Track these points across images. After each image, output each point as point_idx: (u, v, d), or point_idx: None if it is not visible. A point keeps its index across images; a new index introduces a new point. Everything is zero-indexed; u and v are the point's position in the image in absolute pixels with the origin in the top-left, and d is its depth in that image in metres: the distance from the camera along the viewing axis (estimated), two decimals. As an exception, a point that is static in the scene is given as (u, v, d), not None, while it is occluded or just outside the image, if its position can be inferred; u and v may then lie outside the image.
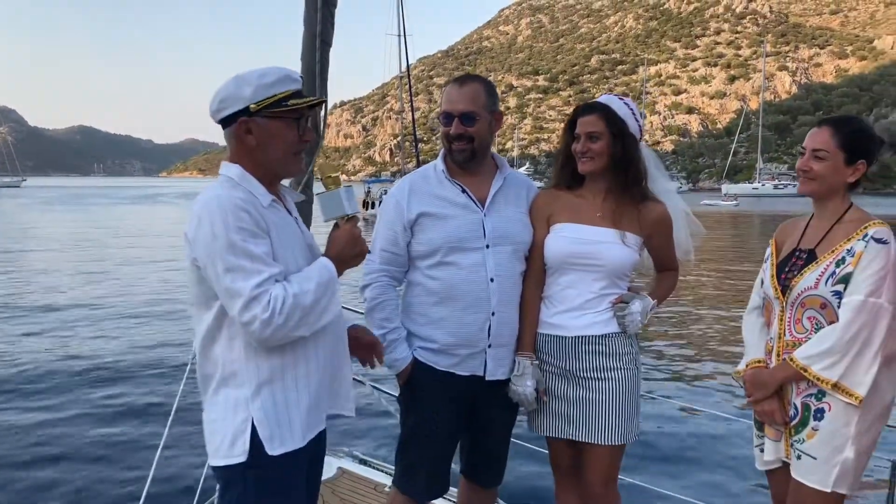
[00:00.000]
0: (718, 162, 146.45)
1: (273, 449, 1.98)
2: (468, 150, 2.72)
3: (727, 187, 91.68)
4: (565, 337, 2.74)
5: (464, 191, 2.75)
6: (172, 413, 3.43)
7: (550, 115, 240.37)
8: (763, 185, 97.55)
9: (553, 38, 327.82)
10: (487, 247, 2.71)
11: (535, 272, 2.80)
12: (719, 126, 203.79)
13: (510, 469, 3.05)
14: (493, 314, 2.70)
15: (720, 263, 22.55)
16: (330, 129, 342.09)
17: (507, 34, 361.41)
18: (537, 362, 2.77)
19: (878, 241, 2.44)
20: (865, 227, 2.49)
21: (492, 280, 2.70)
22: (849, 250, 2.48)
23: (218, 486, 2.07)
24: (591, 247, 2.69)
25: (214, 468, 2.03)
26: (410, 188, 2.80)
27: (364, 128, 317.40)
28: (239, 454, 1.97)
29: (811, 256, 2.59)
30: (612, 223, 2.71)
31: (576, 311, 2.73)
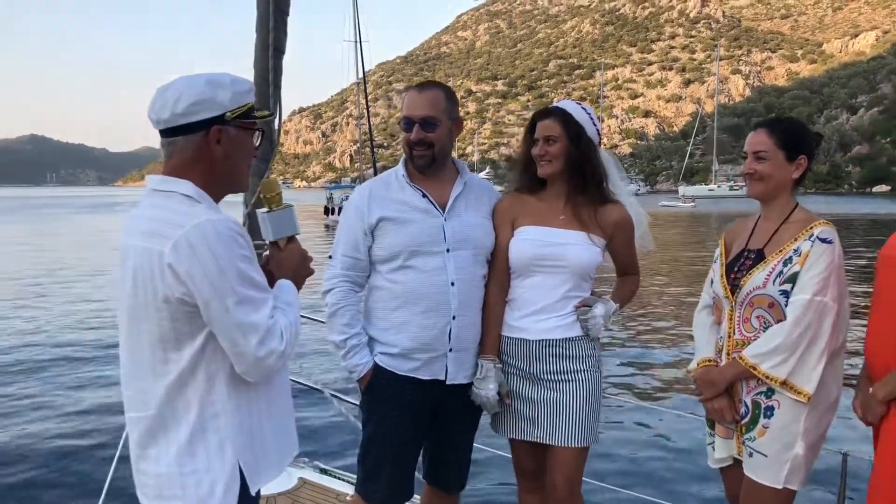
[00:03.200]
0: (675, 164, 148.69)
1: (256, 484, 1.91)
2: (428, 156, 2.72)
3: (684, 189, 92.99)
4: (528, 340, 2.75)
5: (424, 195, 2.75)
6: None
7: (510, 120, 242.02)
8: (719, 186, 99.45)
9: (511, 44, 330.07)
10: (448, 251, 2.70)
11: (499, 275, 2.80)
12: (675, 129, 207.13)
13: (473, 474, 3.05)
14: (453, 318, 2.70)
15: (678, 263, 22.97)
16: (289, 135, 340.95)
17: (466, 40, 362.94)
18: (500, 365, 2.77)
19: (824, 240, 2.50)
20: (811, 227, 2.54)
21: (452, 284, 2.70)
22: (795, 250, 2.52)
23: None
24: (555, 249, 2.71)
25: None
26: (371, 193, 2.79)
27: (324, 134, 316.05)
28: (231, 500, 1.85)
29: (759, 256, 2.63)
30: (576, 225, 2.73)
31: (539, 314, 2.75)
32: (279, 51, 3.31)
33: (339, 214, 44.58)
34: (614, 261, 2.87)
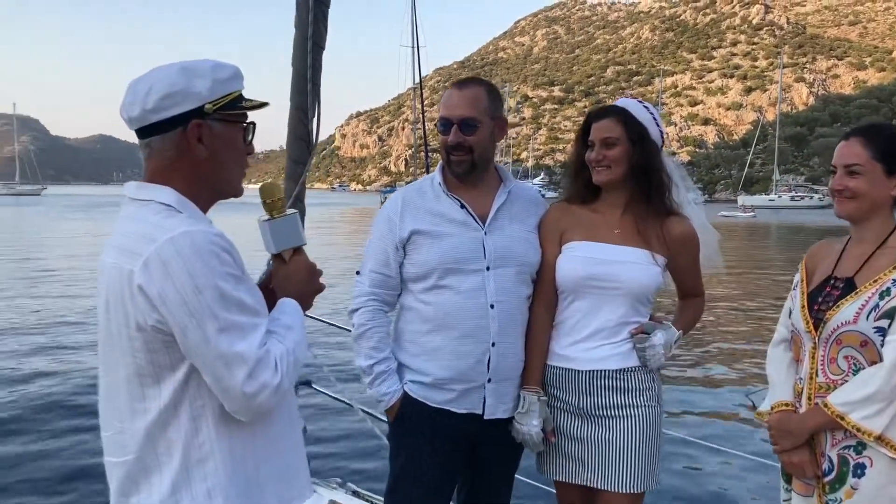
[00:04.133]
0: (735, 173, 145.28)
1: None
2: (468, 161, 2.46)
3: (743, 199, 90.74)
4: (578, 371, 2.46)
5: (462, 206, 2.49)
6: None
7: (566, 126, 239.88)
8: (780, 196, 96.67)
9: (569, 49, 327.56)
10: (488, 269, 2.44)
11: (545, 296, 2.53)
12: (735, 137, 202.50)
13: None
14: (493, 344, 2.42)
15: (740, 277, 22.05)
16: (346, 139, 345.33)
17: (523, 45, 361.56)
18: (545, 398, 2.49)
19: None
20: None
21: (492, 306, 2.42)
22: (895, 280, 2.16)
23: None
24: (609, 267, 2.42)
25: None
26: (403, 203, 2.54)
27: (380, 138, 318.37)
28: None
29: (849, 286, 2.24)
30: (633, 240, 2.45)
31: (590, 341, 2.46)
32: (319, 46, 3.08)
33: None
34: (676, 281, 2.60)
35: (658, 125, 2.51)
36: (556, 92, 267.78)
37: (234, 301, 1.50)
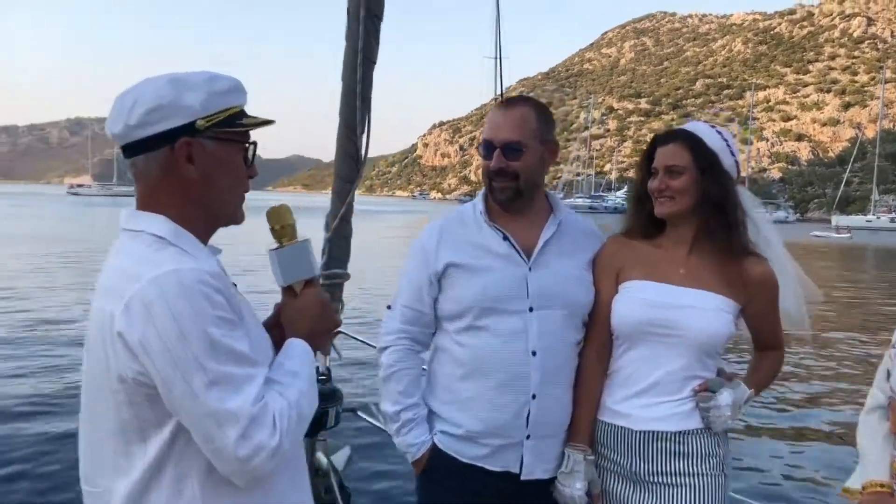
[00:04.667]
0: (829, 192, 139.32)
1: None
2: (511, 189, 2.20)
3: (838, 219, 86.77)
4: (632, 430, 2.16)
5: (506, 238, 2.22)
6: None
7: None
8: (878, 217, 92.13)
9: (657, 62, 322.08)
10: (531, 309, 2.16)
11: (598, 341, 2.24)
12: (831, 154, 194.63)
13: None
14: (533, 396, 2.15)
15: (832, 306, 19.57)
16: (428, 148, 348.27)
17: (610, 56, 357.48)
18: (592, 457, 2.20)
19: None
20: None
21: (534, 353, 2.14)
22: None
23: None
24: (671, 313, 2.12)
25: None
26: (441, 232, 2.28)
27: (461, 147, 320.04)
28: None
29: None
30: (700, 282, 2.15)
31: (647, 396, 2.16)
32: (369, 61, 2.95)
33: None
34: (751, 331, 2.26)
35: (733, 154, 2.20)
36: (643, 104, 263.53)
37: (225, 349, 1.31)
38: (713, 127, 2.23)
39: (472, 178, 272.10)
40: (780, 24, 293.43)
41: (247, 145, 1.52)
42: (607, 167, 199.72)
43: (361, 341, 3.87)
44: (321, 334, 1.61)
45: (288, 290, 1.61)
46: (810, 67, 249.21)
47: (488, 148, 2.21)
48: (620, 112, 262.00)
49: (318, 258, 1.68)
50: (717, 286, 2.14)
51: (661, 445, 2.14)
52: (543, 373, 2.15)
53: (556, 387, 2.18)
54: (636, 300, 2.17)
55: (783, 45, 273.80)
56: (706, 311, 2.12)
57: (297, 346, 1.53)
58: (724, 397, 2.09)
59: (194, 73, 1.44)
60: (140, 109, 1.38)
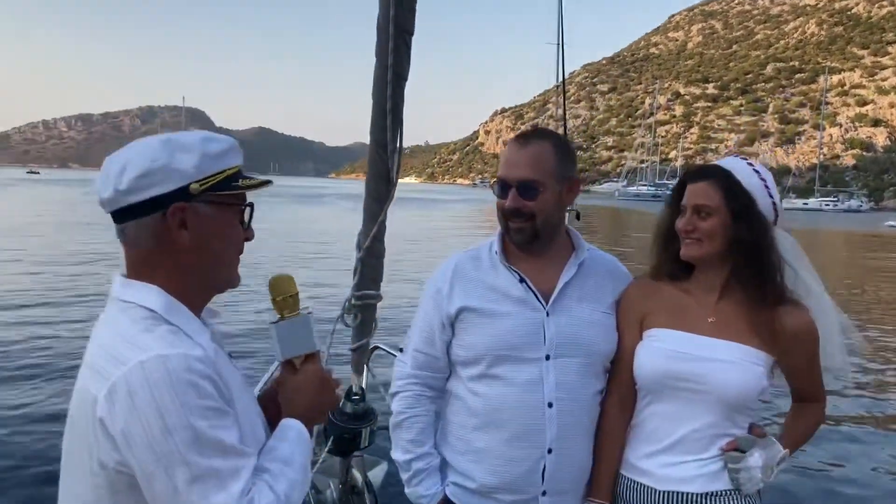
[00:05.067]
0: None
1: None
2: (528, 230, 2.06)
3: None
4: (655, 489, 2.01)
5: (522, 280, 2.08)
6: None
7: (719, 125, 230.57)
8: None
9: (726, 45, 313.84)
10: (548, 357, 2.02)
11: (620, 391, 2.10)
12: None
13: None
14: (549, 451, 2.01)
15: None
16: (490, 135, 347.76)
17: (677, 40, 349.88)
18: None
19: None
20: None
21: (550, 405, 2.00)
22: None
23: None
24: (697, 366, 1.96)
25: None
26: (455, 273, 2.16)
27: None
28: None
29: None
30: (730, 333, 1.98)
31: (671, 454, 2.01)
32: (400, 77, 2.86)
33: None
34: (789, 383, 2.10)
35: (771, 195, 2.02)
36: (710, 89, 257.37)
37: (211, 442, 1.24)
38: (751, 164, 2.06)
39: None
40: (857, 3, 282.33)
41: (243, 207, 1.45)
42: (672, 154, 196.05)
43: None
44: (319, 412, 1.56)
45: (287, 365, 1.55)
46: (889, 49, 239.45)
47: (503, 186, 2.07)
48: (687, 97, 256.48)
49: (318, 334, 1.57)
50: (749, 337, 1.97)
51: None
52: (560, 426, 2.01)
53: (574, 440, 2.05)
54: (659, 351, 2.02)
55: (861, 26, 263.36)
56: (735, 366, 1.95)
57: (292, 429, 1.45)
58: (755, 459, 1.93)
59: (187, 134, 1.37)
60: (131, 174, 1.31)
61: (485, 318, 2.07)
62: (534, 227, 2.05)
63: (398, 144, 2.83)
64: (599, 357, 2.09)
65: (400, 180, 2.59)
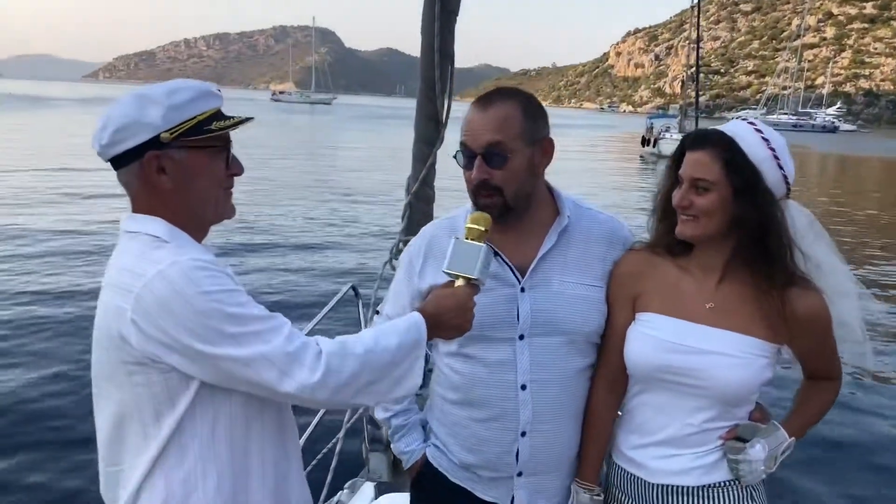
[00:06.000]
0: None
1: None
2: (498, 204, 1.82)
3: None
4: (648, 482, 1.87)
5: (497, 254, 1.85)
6: None
7: (875, 49, 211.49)
8: None
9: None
10: (521, 337, 1.85)
11: (610, 373, 1.92)
12: None
13: None
14: (523, 434, 1.87)
15: None
16: (620, 57, 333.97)
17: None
18: (601, 497, 1.91)
19: None
20: None
21: (523, 387, 1.85)
22: None
23: None
24: (693, 359, 1.77)
25: None
26: (429, 246, 1.97)
27: (657, 57, 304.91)
28: None
29: None
30: (731, 321, 1.78)
31: (664, 447, 1.85)
32: (446, 56, 2.80)
33: (654, 146, 42.41)
34: (800, 361, 1.88)
35: (781, 167, 1.75)
36: (868, 9, 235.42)
37: (241, 315, 1.42)
38: (759, 130, 1.77)
39: (667, 90, 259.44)
40: None
41: (220, 147, 1.55)
42: (819, 80, 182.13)
43: None
44: (445, 324, 1.62)
45: (448, 282, 1.67)
46: None
47: (468, 156, 1.83)
48: (841, 18, 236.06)
49: (489, 270, 1.66)
50: (752, 325, 1.77)
51: (680, 500, 1.84)
52: (536, 408, 1.86)
53: (554, 423, 1.89)
54: (651, 339, 1.82)
55: None
56: (734, 360, 1.75)
57: (412, 317, 1.60)
58: (757, 451, 1.76)
59: (157, 87, 1.51)
60: (109, 130, 1.47)
61: None
62: (504, 201, 1.82)
63: (449, 84, 2.72)
64: (581, 336, 1.90)
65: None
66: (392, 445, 2.15)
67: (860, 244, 15.93)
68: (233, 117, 1.57)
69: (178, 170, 1.50)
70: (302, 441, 2.81)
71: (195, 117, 1.50)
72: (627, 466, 1.91)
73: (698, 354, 1.76)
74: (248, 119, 1.59)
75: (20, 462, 5.14)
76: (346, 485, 3.30)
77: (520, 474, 1.90)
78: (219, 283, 1.42)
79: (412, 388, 1.58)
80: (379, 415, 2.13)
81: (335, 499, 3.22)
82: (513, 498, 1.93)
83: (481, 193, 1.82)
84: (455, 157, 1.88)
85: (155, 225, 1.51)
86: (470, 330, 1.64)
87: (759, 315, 1.75)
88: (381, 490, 3.07)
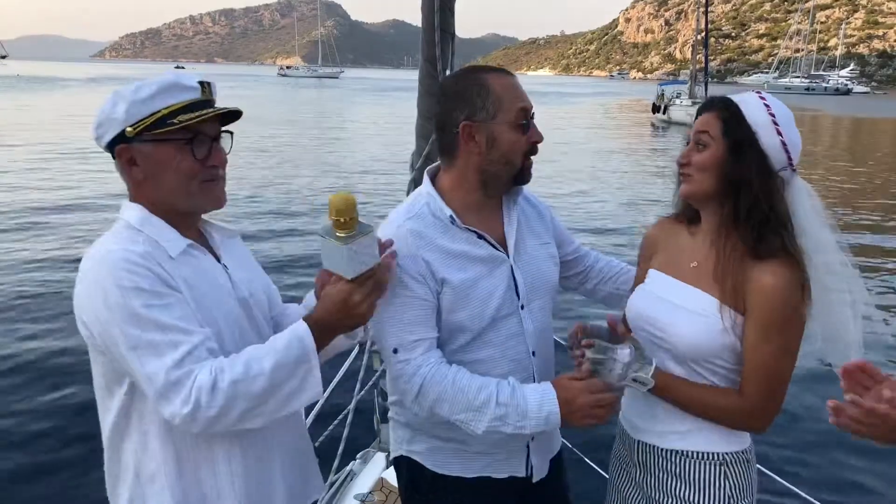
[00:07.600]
0: None
1: None
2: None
3: None
4: (629, 436, 1.95)
5: (481, 236, 1.82)
6: None
7: (889, 8, 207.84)
8: None
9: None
10: (522, 307, 1.86)
11: None
12: None
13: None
14: None
15: None
16: (630, 23, 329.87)
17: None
18: (641, 349, 1.73)
19: None
20: None
21: (533, 353, 1.87)
22: None
23: None
24: (663, 312, 1.80)
25: None
26: (421, 238, 1.80)
27: (667, 22, 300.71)
28: None
29: None
30: (706, 282, 1.78)
31: (644, 404, 1.87)
32: (447, 33, 2.80)
33: (664, 113, 41.96)
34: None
35: (780, 134, 1.72)
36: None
37: (146, 320, 1.42)
38: (763, 99, 1.77)
39: (678, 55, 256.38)
40: None
41: (191, 138, 1.57)
42: (832, 42, 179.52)
43: None
44: (333, 324, 1.56)
45: (336, 276, 1.56)
46: None
47: (530, 119, 1.82)
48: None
49: (371, 256, 1.54)
50: (720, 289, 1.75)
51: (655, 461, 1.87)
52: (541, 370, 1.89)
53: (552, 377, 1.87)
54: (642, 292, 1.91)
55: None
56: (695, 317, 1.75)
57: (294, 329, 1.52)
58: (624, 354, 1.67)
59: (131, 84, 1.57)
60: (93, 126, 1.59)
61: (461, 291, 1.78)
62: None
63: (450, 61, 2.77)
64: (555, 291, 1.97)
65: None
66: (519, 425, 1.71)
67: (869, 206, 15.83)
68: (207, 111, 1.57)
69: (146, 162, 1.56)
70: (313, 413, 2.90)
71: (158, 111, 1.53)
72: (622, 421, 1.98)
73: (669, 309, 1.79)
74: (219, 110, 1.60)
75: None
76: (359, 455, 3.39)
77: (533, 439, 1.91)
78: (135, 280, 1.43)
79: (311, 398, 1.54)
80: (479, 427, 1.73)
81: (347, 468, 3.31)
82: (528, 466, 1.92)
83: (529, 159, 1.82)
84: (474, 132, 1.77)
85: (131, 212, 1.59)
86: (368, 318, 1.57)
87: (732, 280, 1.73)
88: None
